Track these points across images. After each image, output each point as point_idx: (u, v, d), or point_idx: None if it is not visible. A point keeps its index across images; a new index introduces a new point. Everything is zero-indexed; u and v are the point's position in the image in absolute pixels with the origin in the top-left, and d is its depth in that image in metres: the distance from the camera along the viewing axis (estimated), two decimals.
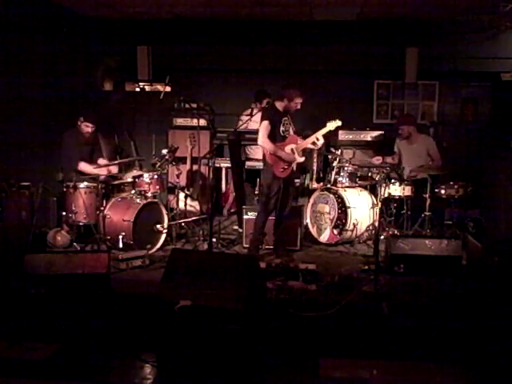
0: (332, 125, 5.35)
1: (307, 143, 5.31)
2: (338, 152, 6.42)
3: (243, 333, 3.41)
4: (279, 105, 5.21)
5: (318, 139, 5.25)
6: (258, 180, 5.84)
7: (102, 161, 6.06)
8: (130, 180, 5.88)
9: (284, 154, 5.13)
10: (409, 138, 6.35)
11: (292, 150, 5.20)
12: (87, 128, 5.90)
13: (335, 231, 5.92)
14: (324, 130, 5.31)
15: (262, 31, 7.65)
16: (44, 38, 6.51)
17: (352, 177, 6.14)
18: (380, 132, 7.43)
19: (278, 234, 5.41)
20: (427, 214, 5.81)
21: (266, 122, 5.08)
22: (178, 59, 7.95)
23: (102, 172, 5.77)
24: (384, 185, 5.74)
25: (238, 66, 7.88)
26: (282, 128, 5.18)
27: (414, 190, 5.92)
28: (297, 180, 7.05)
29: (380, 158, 6.44)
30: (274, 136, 5.12)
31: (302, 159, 5.32)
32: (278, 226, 5.40)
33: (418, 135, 6.38)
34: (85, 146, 5.92)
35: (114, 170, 6.00)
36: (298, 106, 5.20)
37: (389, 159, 6.46)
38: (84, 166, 5.80)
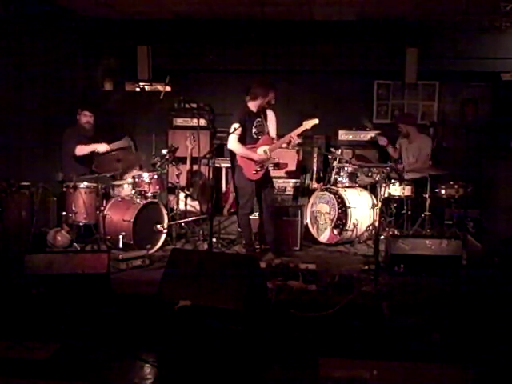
0: (308, 123, 5.21)
1: (281, 143, 5.25)
2: (338, 152, 6.42)
3: (243, 333, 3.42)
4: (253, 105, 5.12)
5: (293, 138, 5.15)
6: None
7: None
8: (130, 180, 5.89)
9: (256, 155, 5.05)
10: (408, 137, 6.39)
11: (265, 151, 5.10)
12: (85, 117, 5.94)
13: (335, 231, 5.92)
14: (300, 129, 5.21)
15: (262, 31, 7.65)
16: (44, 37, 6.51)
17: (352, 177, 6.14)
18: (377, 131, 7.45)
19: (276, 234, 5.39)
20: (427, 214, 5.81)
21: (235, 125, 4.99)
22: (178, 59, 7.95)
23: (101, 148, 5.81)
24: (384, 185, 5.74)
25: (237, 66, 7.87)
26: (253, 130, 5.10)
27: (414, 190, 5.93)
28: (297, 180, 7.08)
29: (386, 139, 6.60)
30: (245, 138, 5.05)
31: (276, 160, 5.27)
32: (274, 226, 5.36)
33: (418, 135, 6.41)
34: (85, 142, 5.92)
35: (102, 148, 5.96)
36: (273, 102, 5.14)
37: (391, 149, 6.56)
38: (80, 149, 5.80)
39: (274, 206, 5.44)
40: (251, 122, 5.08)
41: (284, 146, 5.38)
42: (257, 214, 5.62)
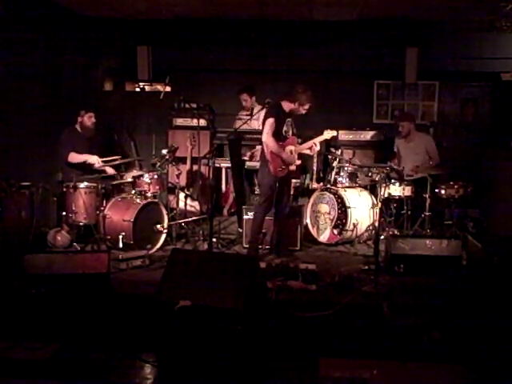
0: (329, 134, 5.57)
1: (304, 148, 5.42)
2: (338, 152, 6.42)
3: (243, 333, 3.41)
4: (286, 106, 5.17)
5: (315, 145, 5.36)
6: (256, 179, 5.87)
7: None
8: (130, 180, 5.88)
9: (285, 154, 5.15)
10: (407, 137, 6.38)
11: (291, 151, 5.22)
12: (91, 119, 5.93)
13: (335, 231, 5.92)
14: (321, 138, 5.50)
15: (262, 31, 7.65)
16: (44, 37, 6.51)
17: (352, 177, 6.14)
18: (378, 132, 7.46)
19: (279, 234, 5.41)
20: (427, 214, 5.81)
21: (271, 120, 5.05)
22: (178, 59, 7.95)
23: (92, 160, 5.75)
24: (384, 185, 5.74)
25: (237, 66, 7.88)
26: (284, 128, 5.18)
27: (413, 190, 5.92)
28: (297, 180, 7.07)
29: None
30: (278, 135, 5.11)
31: (298, 162, 5.33)
32: (278, 226, 5.39)
33: (416, 133, 6.43)
34: (82, 144, 5.91)
35: (110, 170, 5.98)
36: (304, 112, 5.21)
37: (393, 163, 6.47)
38: (72, 157, 5.78)
39: (288, 208, 5.49)
40: (283, 121, 5.14)
41: (307, 151, 5.53)
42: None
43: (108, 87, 8.33)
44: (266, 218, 5.35)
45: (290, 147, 5.22)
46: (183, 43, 7.84)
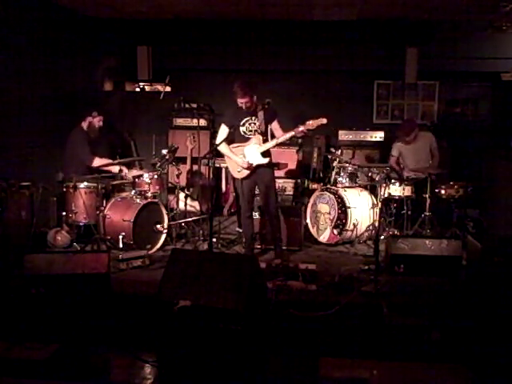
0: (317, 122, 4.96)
1: (274, 144, 5.05)
2: (338, 152, 6.42)
3: (243, 333, 3.42)
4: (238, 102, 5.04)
5: (303, 131, 4.90)
6: None
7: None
8: (130, 180, 5.89)
9: (231, 155, 5.10)
10: (411, 142, 6.33)
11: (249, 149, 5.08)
12: (100, 122, 6.03)
13: (335, 231, 5.92)
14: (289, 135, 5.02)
15: (262, 31, 7.65)
16: (44, 37, 6.51)
17: (352, 177, 6.14)
18: (380, 132, 7.46)
19: (275, 234, 5.37)
20: (427, 214, 5.81)
21: (222, 126, 5.11)
22: (178, 59, 7.95)
23: (115, 170, 5.86)
24: (384, 185, 5.74)
25: (237, 66, 7.87)
26: (242, 128, 5.06)
27: (413, 190, 5.93)
28: (297, 180, 7.07)
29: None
30: (237, 137, 5.09)
31: (264, 161, 5.01)
32: (271, 227, 5.35)
33: (419, 133, 6.39)
34: (92, 144, 5.94)
35: (114, 169, 6.01)
36: (241, 105, 4.98)
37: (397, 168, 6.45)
38: (99, 161, 5.86)
39: (275, 206, 5.34)
40: (239, 121, 5.06)
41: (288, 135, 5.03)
42: (257, 214, 5.64)
43: (108, 87, 8.33)
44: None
45: (250, 146, 5.05)
46: (183, 43, 7.84)
